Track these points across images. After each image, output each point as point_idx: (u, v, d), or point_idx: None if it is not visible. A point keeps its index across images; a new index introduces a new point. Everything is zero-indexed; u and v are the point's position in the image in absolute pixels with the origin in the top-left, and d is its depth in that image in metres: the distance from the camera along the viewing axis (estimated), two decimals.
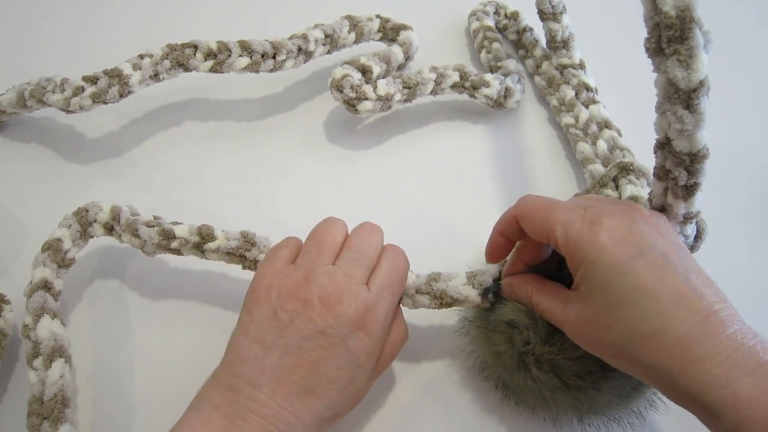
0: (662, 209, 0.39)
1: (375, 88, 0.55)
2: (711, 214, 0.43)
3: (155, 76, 0.54)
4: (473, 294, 0.42)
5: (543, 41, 0.64)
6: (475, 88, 0.59)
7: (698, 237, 0.42)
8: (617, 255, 0.34)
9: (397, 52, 0.59)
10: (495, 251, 0.42)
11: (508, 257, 0.43)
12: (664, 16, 0.30)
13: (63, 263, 0.46)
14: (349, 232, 0.42)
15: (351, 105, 0.55)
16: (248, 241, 0.45)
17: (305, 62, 0.59)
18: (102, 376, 0.46)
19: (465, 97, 0.60)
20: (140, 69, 0.53)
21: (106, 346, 0.48)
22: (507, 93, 0.59)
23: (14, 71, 0.62)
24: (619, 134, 0.55)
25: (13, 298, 0.47)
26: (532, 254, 0.41)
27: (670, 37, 0.31)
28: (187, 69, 0.54)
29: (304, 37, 0.58)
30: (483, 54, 0.64)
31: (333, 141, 0.60)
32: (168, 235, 0.45)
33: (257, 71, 0.56)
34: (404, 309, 0.43)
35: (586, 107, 0.58)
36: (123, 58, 0.53)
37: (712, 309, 0.32)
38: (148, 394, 0.45)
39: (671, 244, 0.35)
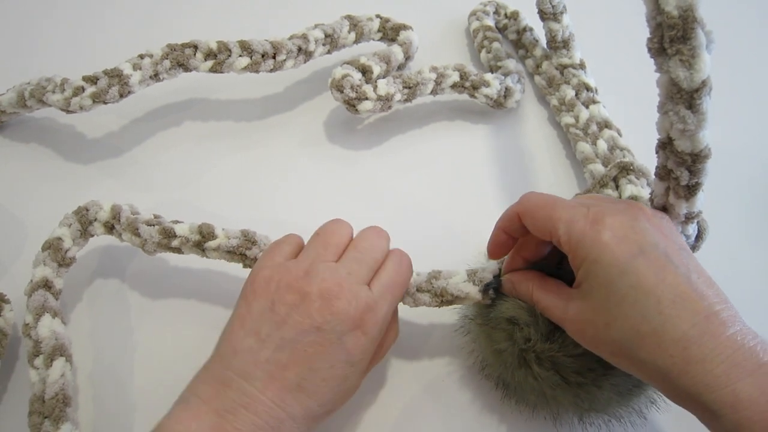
0: (664, 209, 0.39)
1: (375, 88, 0.55)
2: (712, 213, 0.43)
3: (155, 76, 0.54)
4: (474, 291, 0.42)
5: (543, 41, 0.64)
6: (475, 87, 0.59)
7: (699, 237, 0.42)
8: (619, 253, 0.34)
9: (397, 52, 0.59)
10: (497, 248, 0.42)
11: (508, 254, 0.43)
12: (666, 16, 0.30)
13: (63, 262, 0.46)
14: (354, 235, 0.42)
15: (351, 105, 0.55)
16: (249, 239, 0.45)
17: (305, 62, 0.59)
18: (103, 375, 0.46)
19: (465, 97, 0.60)
20: (140, 69, 0.53)
21: (107, 344, 0.48)
22: (507, 93, 0.59)
23: (14, 71, 0.62)
24: (619, 134, 0.55)
25: (13, 298, 0.47)
26: (532, 250, 0.41)
27: (672, 37, 0.31)
28: (187, 69, 0.54)
29: (304, 37, 0.58)
30: (483, 54, 0.64)
31: (333, 141, 0.60)
32: (168, 234, 0.45)
33: (257, 71, 0.56)
34: (404, 307, 0.43)
35: (586, 107, 0.58)
36: (123, 58, 0.53)
37: (713, 309, 0.32)
38: (149, 392, 0.46)
39: (673, 244, 0.35)
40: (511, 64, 0.62)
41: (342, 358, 0.37)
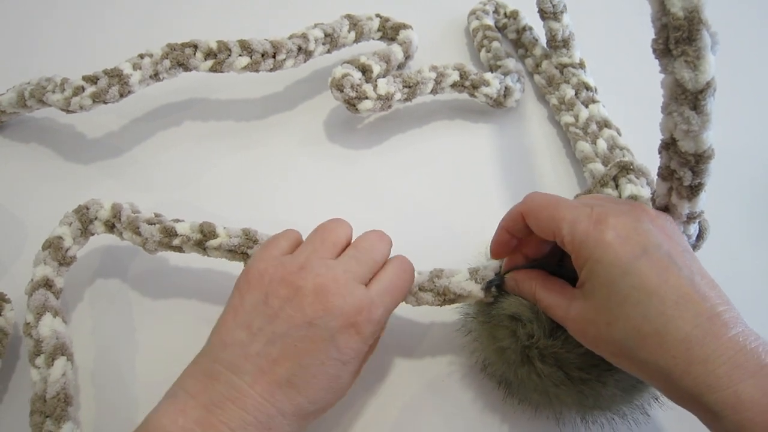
0: (666, 209, 0.39)
1: (375, 87, 0.55)
2: (714, 213, 0.43)
3: (155, 76, 0.54)
4: (476, 289, 0.42)
5: (542, 40, 0.64)
6: (475, 87, 0.59)
7: (700, 236, 0.42)
8: (622, 254, 0.34)
9: (396, 52, 0.59)
10: (500, 247, 0.42)
11: None
12: (672, 17, 0.30)
13: (64, 261, 0.46)
14: (355, 237, 0.42)
15: (351, 104, 0.55)
16: (250, 238, 0.45)
17: (305, 61, 0.59)
18: (104, 374, 0.46)
19: (465, 96, 0.60)
20: (140, 69, 0.53)
21: (108, 344, 0.48)
22: (507, 92, 0.59)
23: (14, 71, 0.61)
24: (619, 133, 0.56)
25: (13, 298, 0.47)
26: (533, 248, 0.41)
27: (677, 39, 0.31)
28: (187, 68, 0.54)
29: (304, 36, 0.58)
30: (483, 53, 0.64)
31: (333, 140, 0.60)
32: (169, 233, 0.45)
33: (257, 71, 0.56)
34: (405, 306, 0.43)
35: (586, 106, 0.58)
36: (123, 58, 0.53)
37: (715, 311, 0.32)
38: (150, 391, 0.45)
39: (677, 245, 0.35)
40: (511, 63, 0.62)
41: (333, 355, 0.36)
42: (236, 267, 0.46)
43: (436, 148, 0.60)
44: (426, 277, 0.43)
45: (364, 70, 0.56)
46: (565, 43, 0.61)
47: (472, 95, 0.60)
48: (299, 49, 0.57)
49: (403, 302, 0.42)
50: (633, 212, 0.36)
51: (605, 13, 0.72)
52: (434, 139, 0.61)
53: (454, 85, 0.59)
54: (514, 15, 0.67)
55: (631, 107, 0.57)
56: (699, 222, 0.41)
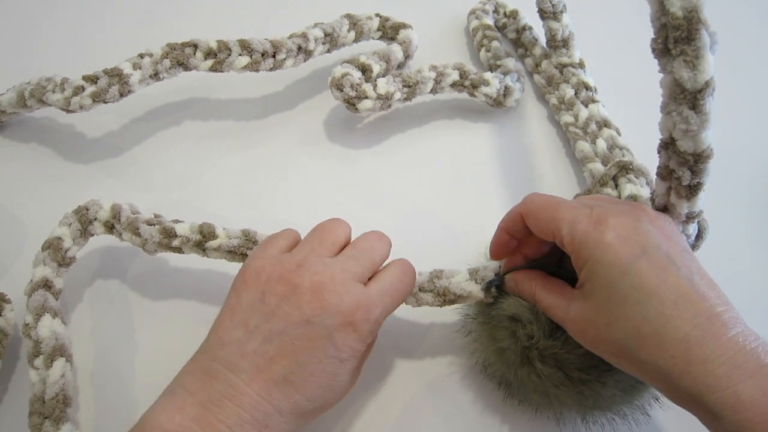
0: (665, 209, 0.39)
1: (375, 86, 0.55)
2: (713, 213, 0.43)
3: (155, 76, 0.54)
4: (476, 289, 0.42)
5: (542, 40, 0.64)
6: (474, 86, 0.59)
7: (699, 236, 0.42)
8: (622, 254, 0.34)
9: (396, 51, 0.59)
10: (499, 248, 0.42)
11: None
12: (671, 17, 0.30)
13: (63, 262, 0.46)
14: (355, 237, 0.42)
15: (351, 104, 0.55)
16: (250, 239, 0.45)
17: (305, 61, 0.59)
18: (103, 375, 0.46)
19: (465, 95, 0.60)
20: (140, 68, 0.53)
21: (108, 345, 0.48)
22: (506, 91, 0.59)
23: (14, 71, 0.61)
24: (618, 133, 0.56)
25: (13, 298, 0.47)
26: (533, 248, 0.41)
27: (676, 38, 0.31)
28: (187, 68, 0.54)
29: (304, 35, 0.58)
30: (482, 53, 0.64)
31: (333, 140, 0.60)
32: (169, 234, 0.45)
33: (257, 70, 0.56)
34: (405, 307, 0.43)
35: (586, 106, 0.58)
36: (123, 58, 0.53)
37: (714, 311, 0.32)
38: (150, 392, 0.45)
39: (676, 245, 0.35)
40: (511, 62, 0.62)
41: (331, 353, 0.36)
42: (236, 268, 0.46)
43: (435, 147, 0.60)
44: (426, 278, 0.43)
45: (364, 70, 0.56)
46: (565, 43, 0.61)
47: (471, 95, 0.60)
48: (299, 48, 0.57)
49: (403, 303, 0.42)
50: (632, 213, 0.36)
51: (605, 13, 0.72)
52: (434, 138, 0.61)
53: (453, 85, 0.59)
54: (513, 15, 0.67)
55: (631, 107, 0.57)
56: (698, 222, 0.41)
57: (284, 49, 0.56)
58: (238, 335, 0.36)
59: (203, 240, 0.45)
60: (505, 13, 0.68)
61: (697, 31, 0.30)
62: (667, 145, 0.35)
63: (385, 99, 0.55)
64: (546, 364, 0.39)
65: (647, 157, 0.43)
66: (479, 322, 0.43)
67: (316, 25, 0.59)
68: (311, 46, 0.58)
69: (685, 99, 0.32)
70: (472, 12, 0.68)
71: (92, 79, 0.52)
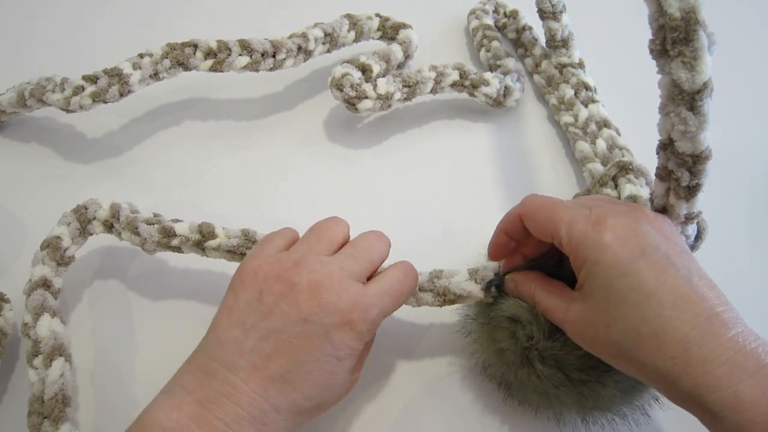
0: (664, 210, 0.39)
1: (375, 86, 0.55)
2: (712, 214, 0.43)
3: (155, 75, 0.54)
4: (476, 289, 0.42)
5: (542, 40, 0.64)
6: (474, 86, 0.59)
7: (698, 237, 0.42)
8: (620, 255, 0.34)
9: (396, 51, 0.59)
10: (498, 249, 0.42)
11: None
12: (669, 18, 0.30)
13: (62, 261, 0.46)
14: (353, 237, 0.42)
15: (351, 104, 0.55)
16: (249, 239, 0.45)
17: (305, 61, 0.59)
18: (103, 375, 0.46)
19: (465, 95, 0.60)
20: (140, 68, 0.53)
21: (107, 345, 0.48)
22: (506, 91, 0.59)
23: (14, 71, 0.62)
24: (618, 133, 0.56)
25: (13, 298, 0.47)
26: (532, 248, 0.41)
27: (674, 39, 0.31)
28: (187, 68, 0.54)
29: (304, 35, 0.58)
30: (482, 53, 0.64)
31: (333, 140, 0.60)
32: (168, 233, 0.45)
33: (257, 70, 0.56)
34: (405, 307, 0.43)
35: (585, 106, 0.58)
36: (123, 58, 0.53)
37: (714, 311, 0.32)
38: (149, 392, 0.45)
39: (675, 246, 0.35)
40: (511, 62, 0.62)
41: (328, 351, 0.36)
42: (235, 268, 0.46)
43: (435, 147, 0.60)
44: (426, 278, 0.43)
45: (364, 70, 0.56)
46: (565, 43, 0.61)
47: (471, 95, 0.60)
48: (299, 48, 0.57)
49: (404, 303, 0.42)
50: (631, 214, 0.36)
51: (605, 13, 0.72)
52: (434, 138, 0.61)
53: (453, 85, 0.59)
54: (513, 15, 0.67)
55: (631, 107, 0.57)
56: (697, 222, 0.41)
57: (284, 49, 0.56)
58: (236, 334, 0.36)
59: (202, 239, 0.45)
60: (505, 13, 0.68)
61: (694, 32, 0.30)
62: (666, 147, 0.35)
63: (385, 99, 0.55)
64: (546, 365, 0.39)
65: (647, 157, 0.42)
66: (479, 322, 0.43)
67: (316, 25, 0.59)
68: (311, 46, 0.58)
69: (683, 100, 0.32)
70: (472, 12, 0.68)
71: (92, 79, 0.52)
